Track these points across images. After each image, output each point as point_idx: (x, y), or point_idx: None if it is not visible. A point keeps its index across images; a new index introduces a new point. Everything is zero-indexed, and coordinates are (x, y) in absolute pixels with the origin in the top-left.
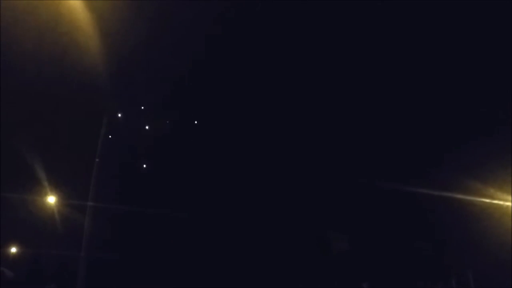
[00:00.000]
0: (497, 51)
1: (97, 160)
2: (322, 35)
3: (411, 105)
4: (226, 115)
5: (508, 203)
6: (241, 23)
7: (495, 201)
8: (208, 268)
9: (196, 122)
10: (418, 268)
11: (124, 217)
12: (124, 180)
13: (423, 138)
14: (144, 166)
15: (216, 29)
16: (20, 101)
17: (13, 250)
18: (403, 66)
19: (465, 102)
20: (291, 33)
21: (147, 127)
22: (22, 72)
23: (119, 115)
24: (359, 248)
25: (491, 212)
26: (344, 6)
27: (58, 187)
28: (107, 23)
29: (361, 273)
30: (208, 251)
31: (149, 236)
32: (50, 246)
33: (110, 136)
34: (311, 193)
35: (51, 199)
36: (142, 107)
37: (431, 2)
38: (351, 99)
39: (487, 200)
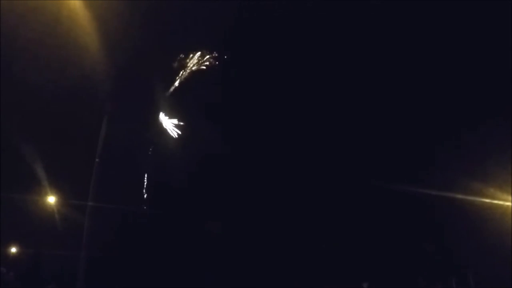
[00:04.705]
0: (497, 51)
1: (97, 160)
2: (322, 36)
3: (411, 106)
4: (225, 115)
5: (508, 203)
6: (241, 23)
7: (495, 201)
8: (207, 268)
9: (195, 121)
10: (418, 268)
11: (124, 217)
12: (124, 180)
13: (424, 139)
14: (144, 166)
15: (216, 29)
16: (20, 101)
17: (13, 250)
18: (403, 66)
19: (465, 103)
20: (291, 33)
21: (146, 127)
22: (22, 73)
23: (119, 115)
24: (359, 248)
25: (491, 212)
26: (345, 7)
27: (58, 187)
28: (107, 23)
29: (361, 273)
30: (207, 250)
31: (148, 236)
32: (50, 246)
33: (110, 136)
34: (312, 193)
35: (51, 199)
36: (142, 107)
37: (432, 2)
38: (351, 100)
39: (487, 200)
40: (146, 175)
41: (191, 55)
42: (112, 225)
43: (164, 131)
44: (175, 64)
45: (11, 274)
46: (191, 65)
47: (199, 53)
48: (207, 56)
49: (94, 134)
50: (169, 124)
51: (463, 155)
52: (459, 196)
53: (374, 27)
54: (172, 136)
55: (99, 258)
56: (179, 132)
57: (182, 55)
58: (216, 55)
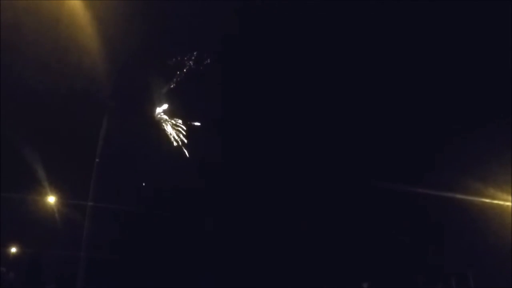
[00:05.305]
0: (497, 51)
1: (97, 160)
2: (322, 36)
3: (411, 106)
4: (225, 115)
5: (508, 203)
6: (241, 23)
7: (495, 201)
8: (207, 268)
9: (194, 122)
10: (418, 268)
11: (124, 217)
12: (124, 180)
13: (424, 139)
14: (144, 166)
15: (215, 30)
16: (20, 102)
17: (13, 250)
18: (403, 67)
19: (465, 103)
20: (291, 34)
21: (146, 127)
22: (22, 73)
23: (119, 115)
24: (359, 248)
25: (491, 212)
26: (346, 7)
27: (58, 187)
28: (107, 23)
29: (361, 273)
30: (207, 250)
31: (148, 236)
32: (50, 246)
33: (110, 136)
34: (312, 193)
35: (51, 199)
36: (141, 107)
37: (432, 2)
38: (352, 100)
39: (487, 200)
40: (145, 175)
41: (189, 55)
42: (111, 225)
43: (163, 131)
44: (174, 64)
45: (11, 274)
46: (189, 65)
47: (196, 53)
48: (205, 56)
49: (94, 134)
50: (168, 124)
51: (463, 155)
52: (459, 196)
53: (374, 27)
54: (171, 136)
55: (99, 258)
56: (178, 132)
57: (180, 56)
58: (214, 55)
